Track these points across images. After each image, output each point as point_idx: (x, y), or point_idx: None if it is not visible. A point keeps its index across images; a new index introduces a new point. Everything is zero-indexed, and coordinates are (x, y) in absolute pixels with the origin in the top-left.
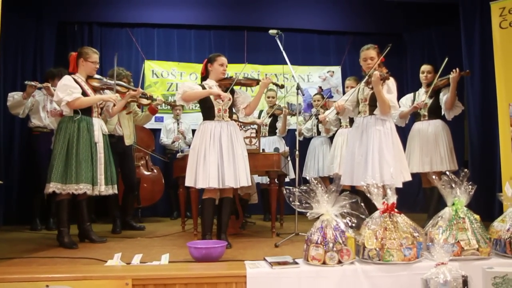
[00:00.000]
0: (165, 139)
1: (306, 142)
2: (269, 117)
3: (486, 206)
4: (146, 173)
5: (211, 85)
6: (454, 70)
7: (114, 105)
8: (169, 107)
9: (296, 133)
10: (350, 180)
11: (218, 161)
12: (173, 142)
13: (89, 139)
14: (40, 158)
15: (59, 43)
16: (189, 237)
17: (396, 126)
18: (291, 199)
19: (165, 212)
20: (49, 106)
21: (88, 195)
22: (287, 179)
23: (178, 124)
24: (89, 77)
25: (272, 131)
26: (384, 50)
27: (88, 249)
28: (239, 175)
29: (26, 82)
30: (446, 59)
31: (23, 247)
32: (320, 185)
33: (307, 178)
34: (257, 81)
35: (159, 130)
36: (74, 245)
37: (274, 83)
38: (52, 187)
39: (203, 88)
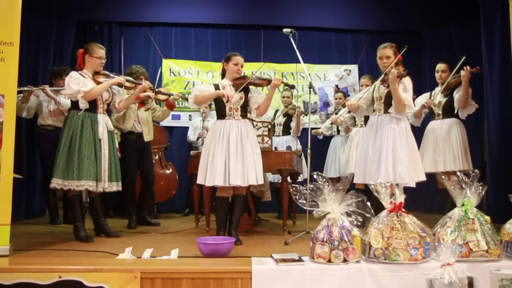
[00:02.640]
0: (192, 136)
1: (326, 141)
2: (283, 116)
3: (505, 207)
4: (160, 170)
5: (225, 84)
6: (464, 68)
7: (122, 86)
8: (186, 104)
9: (310, 132)
10: (362, 178)
11: (225, 159)
12: (198, 138)
13: (92, 136)
14: (44, 155)
15: (79, 42)
16: (202, 234)
17: (411, 125)
18: (297, 197)
19: (181, 209)
20: (51, 106)
21: (97, 192)
22: (300, 179)
23: (203, 121)
24: (95, 73)
25: (286, 130)
26: (401, 50)
27: (103, 243)
28: (247, 174)
29: (18, 89)
30: (464, 58)
31: (41, 239)
32: (327, 184)
33: (314, 177)
34: (268, 81)
35: (176, 128)
36: (89, 238)
37: (285, 84)
38: (53, 183)
39: (217, 88)
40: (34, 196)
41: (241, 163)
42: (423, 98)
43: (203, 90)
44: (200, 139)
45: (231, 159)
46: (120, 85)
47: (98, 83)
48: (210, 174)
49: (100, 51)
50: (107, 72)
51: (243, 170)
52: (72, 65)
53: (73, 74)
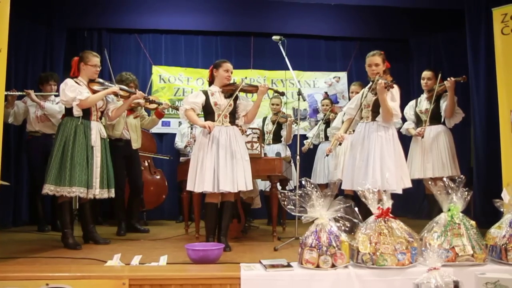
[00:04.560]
0: (180, 143)
1: (315, 148)
2: (273, 124)
3: (491, 212)
4: (149, 176)
5: (214, 91)
6: (448, 78)
7: (117, 95)
8: (176, 111)
9: (301, 144)
10: (350, 185)
11: (214, 165)
12: (186, 146)
13: (85, 143)
14: (32, 161)
15: (69, 49)
16: (192, 240)
17: (399, 133)
18: (286, 203)
19: (171, 215)
20: (39, 112)
21: (88, 198)
22: (290, 187)
23: (191, 128)
24: (90, 81)
25: (276, 139)
26: (388, 59)
27: (91, 250)
28: (237, 180)
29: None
30: (440, 74)
31: (29, 247)
32: (315, 190)
33: (303, 182)
34: (257, 88)
35: (166, 134)
36: (77, 246)
37: (274, 90)
38: (45, 189)
39: (206, 94)
40: (22, 203)
41: (230, 169)
42: (411, 108)
43: (195, 102)
44: (188, 147)
45: (220, 165)
46: (115, 94)
47: (93, 91)
48: (199, 181)
49: (95, 59)
50: (101, 80)
51: (232, 176)
52: (66, 72)
53: (69, 81)
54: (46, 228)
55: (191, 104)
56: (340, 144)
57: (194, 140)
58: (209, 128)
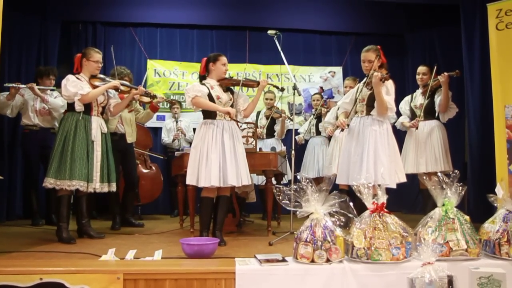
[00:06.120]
0: (166, 138)
1: (305, 142)
2: (267, 119)
3: (485, 207)
4: (145, 170)
5: (213, 84)
6: (442, 74)
7: (118, 90)
8: (170, 105)
9: (294, 138)
10: (345, 179)
11: (220, 160)
12: (174, 140)
13: (85, 137)
14: (29, 155)
15: (63, 42)
16: (187, 235)
17: (394, 127)
18: (281, 198)
19: (165, 210)
20: (38, 105)
21: (86, 192)
22: (285, 181)
23: (177, 122)
24: (92, 77)
25: (270, 133)
26: (384, 53)
27: (86, 245)
28: (241, 174)
29: (6, 84)
30: (435, 67)
31: (22, 241)
32: (310, 185)
33: (298, 177)
34: (257, 83)
35: (160, 128)
36: (72, 240)
37: (274, 85)
38: (46, 182)
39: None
40: (16, 197)
41: (234, 163)
42: (406, 103)
43: (202, 91)
44: (176, 140)
45: (226, 159)
46: (116, 88)
47: (94, 86)
48: (205, 175)
49: (97, 55)
50: (103, 76)
51: (236, 170)
52: (60, 66)
53: (70, 77)
54: (40, 222)
55: (199, 91)
56: (342, 130)
57: (182, 133)
58: (232, 114)
